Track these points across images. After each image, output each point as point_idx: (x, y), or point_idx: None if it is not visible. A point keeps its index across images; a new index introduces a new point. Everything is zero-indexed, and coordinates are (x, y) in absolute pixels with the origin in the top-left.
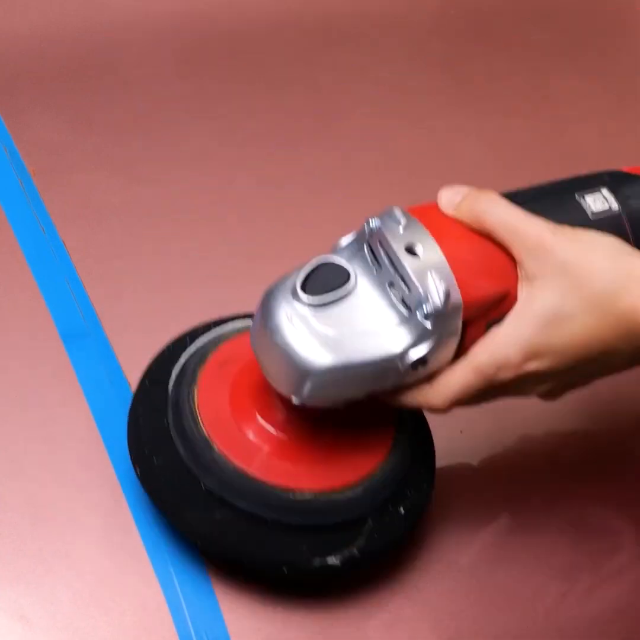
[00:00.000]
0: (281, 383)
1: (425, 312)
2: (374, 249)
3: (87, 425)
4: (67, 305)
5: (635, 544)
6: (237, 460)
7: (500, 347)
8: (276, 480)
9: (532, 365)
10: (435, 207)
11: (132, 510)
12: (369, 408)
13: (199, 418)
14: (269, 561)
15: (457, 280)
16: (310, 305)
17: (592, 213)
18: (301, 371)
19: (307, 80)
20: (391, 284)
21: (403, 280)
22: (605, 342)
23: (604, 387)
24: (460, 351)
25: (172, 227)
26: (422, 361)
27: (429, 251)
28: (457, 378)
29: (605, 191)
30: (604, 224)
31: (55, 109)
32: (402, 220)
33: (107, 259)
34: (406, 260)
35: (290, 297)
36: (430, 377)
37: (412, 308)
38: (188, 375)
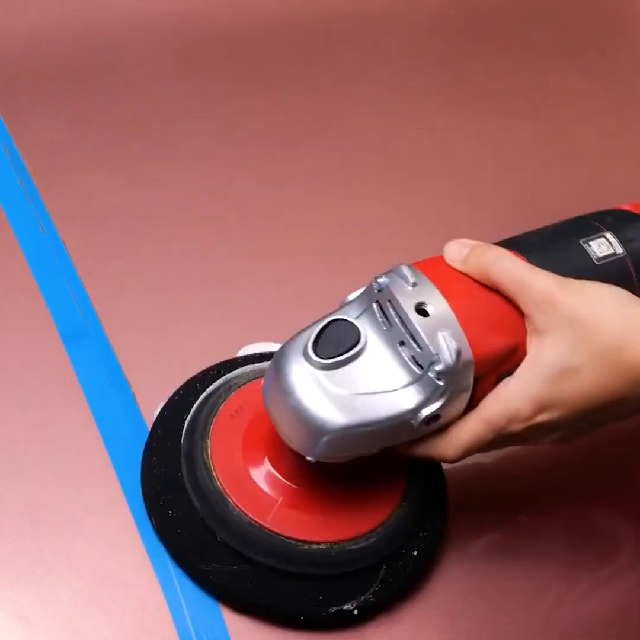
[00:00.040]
0: (295, 442)
1: (437, 370)
2: (384, 307)
3: (87, 425)
4: (67, 305)
5: (635, 545)
6: (252, 513)
7: (510, 400)
8: (291, 532)
9: (542, 417)
10: (441, 261)
11: (132, 510)
12: (383, 459)
13: (213, 470)
14: (286, 611)
15: (467, 337)
16: (323, 367)
17: (597, 258)
18: (315, 432)
19: (307, 80)
20: (402, 343)
21: (414, 339)
22: (614, 392)
23: None
24: (472, 404)
25: (172, 227)
26: (434, 417)
27: (439, 309)
28: (468, 430)
29: (609, 235)
30: (609, 267)
31: (55, 109)
32: (411, 278)
33: (107, 259)
34: (416, 320)
35: (302, 358)
36: (442, 430)
37: (424, 367)
38: (200, 426)
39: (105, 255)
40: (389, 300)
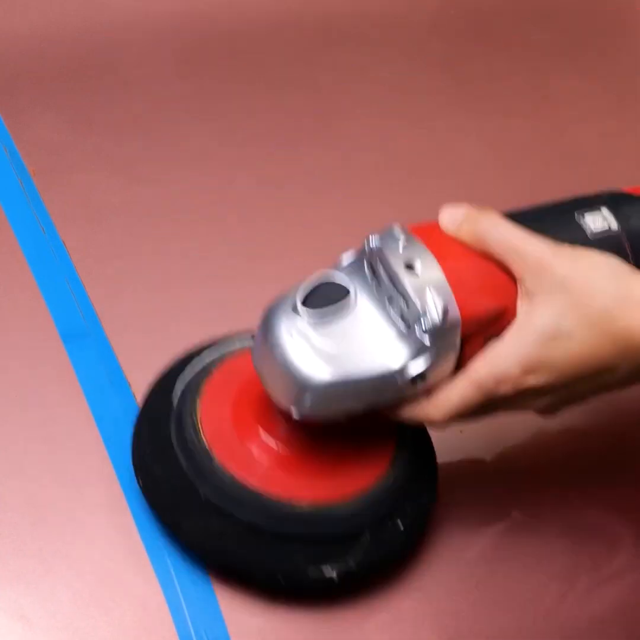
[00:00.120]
0: (281, 397)
1: (424, 327)
2: (374, 267)
3: (87, 425)
4: (67, 305)
5: (635, 545)
6: (236, 470)
7: (499, 361)
8: (274, 490)
9: (531, 380)
10: (436, 226)
11: (132, 510)
12: (370, 422)
13: (201, 429)
14: (265, 571)
15: (455, 296)
16: (310, 321)
17: (592, 233)
18: (301, 386)
19: (307, 80)
20: (390, 301)
21: (402, 296)
22: (603, 360)
23: None
24: (459, 365)
25: (172, 227)
26: (420, 376)
27: (428, 268)
28: (456, 392)
29: (605, 211)
30: (604, 243)
31: (55, 109)
32: (402, 238)
33: (107, 259)
34: (405, 277)
35: (291, 312)
36: (429, 392)
37: (411, 324)
38: (192, 388)
39: (105, 255)
40: (380, 259)
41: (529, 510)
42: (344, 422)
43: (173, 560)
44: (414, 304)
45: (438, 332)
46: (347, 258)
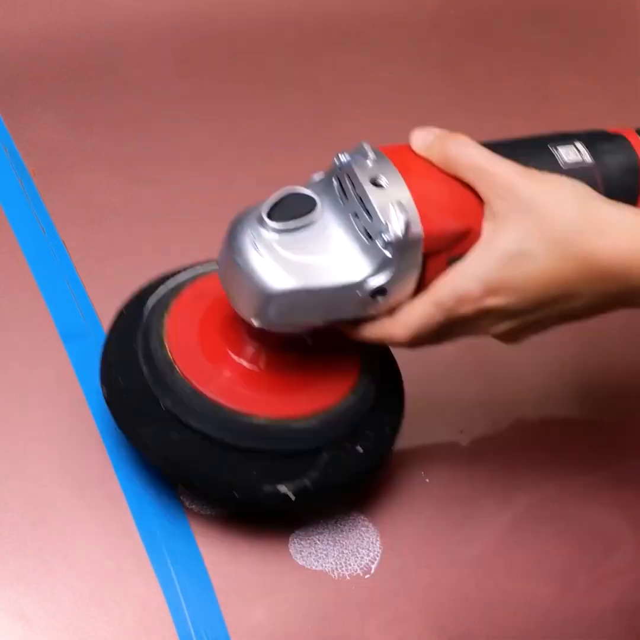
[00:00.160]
0: (243, 306)
1: (385, 240)
2: (342, 182)
3: (87, 425)
4: (67, 305)
5: (635, 544)
6: (197, 382)
7: (461, 280)
8: (232, 404)
9: (492, 301)
10: (406, 146)
11: (132, 510)
12: (336, 346)
13: (165, 342)
14: (221, 484)
15: (419, 213)
16: (274, 231)
17: (564, 163)
18: (262, 293)
19: (307, 80)
20: (356, 215)
21: (366, 211)
22: (565, 283)
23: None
24: (422, 286)
25: (172, 227)
26: (381, 291)
27: (394, 184)
28: (417, 310)
29: (579, 145)
30: (575, 174)
31: (55, 109)
32: (371, 155)
33: (107, 259)
34: (370, 191)
35: (255, 223)
36: (392, 312)
37: (374, 237)
38: (162, 304)
39: (105, 255)
40: (348, 174)
41: (528, 510)
42: (309, 340)
43: (173, 560)
44: (377, 217)
45: (399, 246)
46: (317, 176)
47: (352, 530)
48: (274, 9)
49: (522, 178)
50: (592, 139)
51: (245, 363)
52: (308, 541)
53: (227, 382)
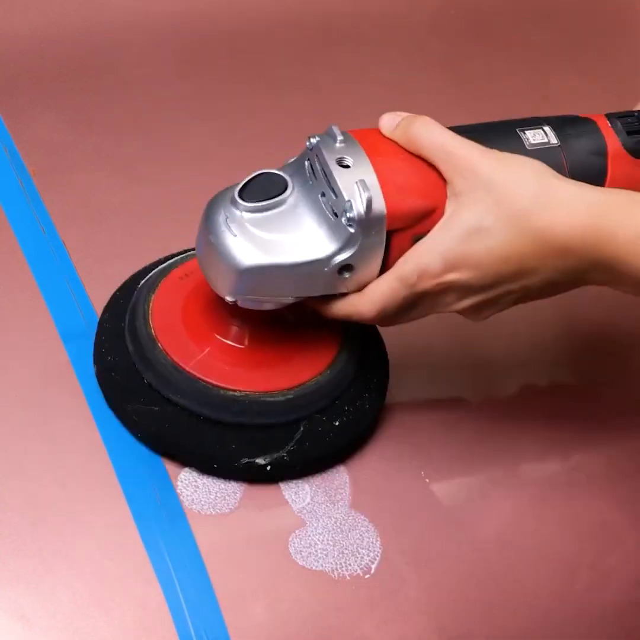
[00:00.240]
0: (217, 282)
1: (349, 216)
2: (312, 163)
3: (87, 425)
4: (67, 305)
5: (636, 543)
6: (177, 357)
7: (422, 256)
8: (212, 379)
9: (452, 276)
10: (375, 130)
11: (132, 510)
12: (318, 322)
13: (150, 320)
14: (202, 457)
15: (383, 191)
16: (246, 210)
17: (530, 144)
18: (233, 269)
19: (307, 80)
20: (323, 194)
21: (332, 189)
22: (523, 258)
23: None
24: (388, 265)
25: (172, 227)
26: (348, 267)
27: (359, 164)
28: (382, 286)
29: (547, 128)
30: (540, 154)
31: (55, 109)
32: (339, 137)
33: (107, 259)
34: (336, 171)
35: (228, 203)
36: (360, 290)
37: (339, 215)
38: (149, 284)
39: (105, 255)
40: (317, 155)
41: (528, 509)
42: (290, 316)
43: (173, 560)
44: (342, 196)
45: (363, 223)
46: (291, 159)
47: (352, 530)
48: (274, 9)
49: (482, 158)
50: (560, 123)
51: (225, 339)
52: (308, 541)
53: (208, 357)
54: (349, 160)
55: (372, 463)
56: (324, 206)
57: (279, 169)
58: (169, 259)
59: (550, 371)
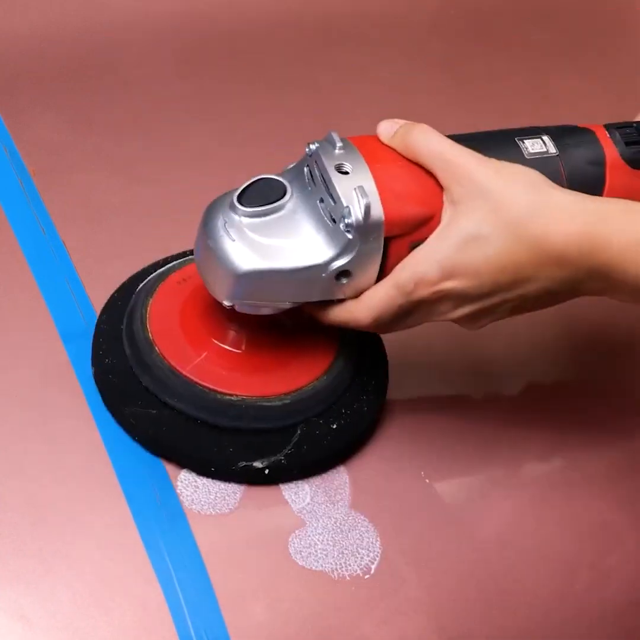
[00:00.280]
0: (215, 286)
1: (347, 222)
2: (311, 169)
3: (87, 425)
4: (67, 305)
5: (636, 543)
6: (174, 361)
7: (419, 263)
8: (209, 383)
9: (449, 284)
10: (374, 137)
11: (132, 510)
12: (315, 328)
13: (147, 323)
14: (199, 460)
15: (381, 197)
16: (245, 215)
17: (529, 153)
18: (231, 274)
19: (307, 80)
20: (322, 200)
21: (331, 196)
22: (519, 266)
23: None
24: (386, 272)
25: (172, 227)
26: (345, 273)
27: (358, 171)
28: (379, 293)
29: (545, 137)
30: (538, 163)
31: (55, 109)
32: (338, 144)
33: (107, 259)
34: (335, 177)
35: (227, 208)
36: (357, 297)
37: (337, 221)
38: (148, 287)
39: (105, 255)
40: (316, 162)
41: (528, 508)
42: (287, 321)
43: (173, 560)
44: (340, 202)
45: (361, 229)
46: (291, 165)
47: (352, 530)
48: (274, 9)
49: (479, 166)
50: (560, 133)
51: (223, 344)
52: (308, 541)
53: (205, 362)
54: (348, 167)
55: (372, 463)
56: (322, 212)
57: (277, 175)
58: (168, 263)
59: (550, 371)
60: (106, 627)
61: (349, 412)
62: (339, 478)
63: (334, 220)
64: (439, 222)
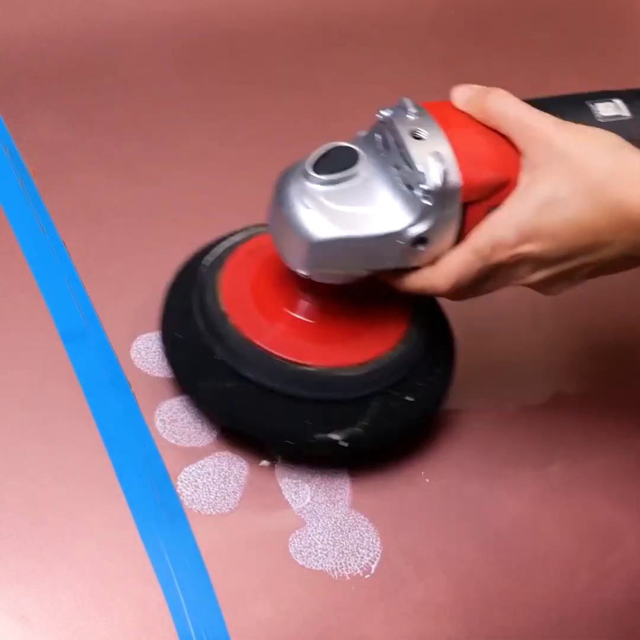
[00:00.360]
0: (290, 256)
1: (424, 189)
2: (384, 136)
3: (86, 425)
4: (67, 305)
5: (636, 543)
6: (249, 333)
7: (496, 227)
8: (285, 354)
9: (527, 248)
10: (447, 102)
11: (132, 510)
12: (386, 297)
13: (220, 296)
14: (275, 432)
15: (458, 163)
16: (319, 183)
17: (601, 117)
18: (307, 242)
19: (307, 80)
20: (397, 167)
21: (407, 162)
22: (597, 230)
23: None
24: (462, 237)
25: (172, 227)
26: (422, 239)
27: (433, 136)
28: (457, 258)
29: (618, 101)
30: (612, 127)
31: (55, 109)
32: (412, 110)
33: (107, 259)
34: (410, 143)
35: (301, 176)
36: (433, 263)
37: (414, 187)
38: (216, 262)
39: (105, 255)
40: (390, 128)
41: (528, 508)
42: (359, 291)
43: (173, 560)
44: (416, 168)
45: (438, 195)
46: (362, 132)
47: (352, 530)
48: (274, 9)
49: (557, 129)
50: (632, 96)
51: (296, 315)
52: (308, 541)
53: (280, 333)
54: (422, 133)
55: (372, 463)
56: (397, 179)
57: (349, 142)
58: (233, 235)
59: (550, 371)
60: (106, 627)
61: (422, 384)
62: (339, 478)
63: (409, 187)
64: (515, 186)
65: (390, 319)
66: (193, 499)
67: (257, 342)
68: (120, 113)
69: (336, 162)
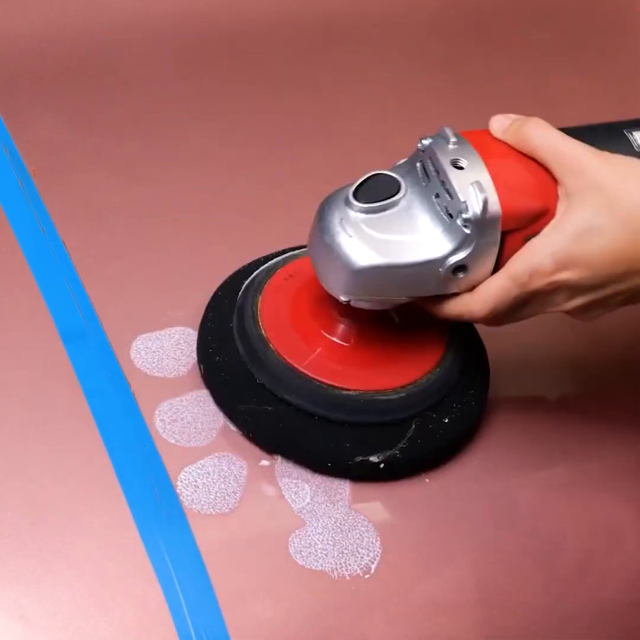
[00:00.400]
0: (331, 282)
1: (465, 218)
2: (425, 165)
3: (87, 425)
4: (67, 305)
5: (636, 543)
6: (289, 357)
7: (534, 255)
8: (324, 378)
9: (563, 275)
10: (485, 131)
11: (132, 510)
12: (423, 322)
13: (259, 321)
14: (315, 455)
15: (497, 192)
16: (361, 211)
17: (638, 145)
18: (348, 269)
19: (307, 80)
20: (437, 195)
21: (447, 191)
22: (631, 258)
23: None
24: (500, 265)
25: (172, 227)
26: (462, 267)
27: (473, 166)
28: (494, 285)
29: None
30: None
31: (55, 109)
32: (452, 139)
33: (107, 259)
34: (451, 172)
35: (343, 204)
36: (472, 289)
37: (454, 216)
38: (255, 285)
39: (105, 255)
40: (430, 157)
41: (528, 508)
42: (396, 316)
43: (173, 560)
44: (457, 197)
45: (478, 224)
46: (401, 161)
47: (352, 530)
48: (274, 9)
49: (593, 159)
50: None
51: (335, 339)
52: (308, 541)
53: (319, 357)
54: (463, 162)
55: None
56: (438, 207)
57: (390, 170)
58: (270, 259)
59: (549, 370)
60: (106, 627)
61: (459, 406)
62: (339, 478)
63: (450, 215)
64: (553, 215)
65: (427, 342)
66: (193, 499)
67: (298, 367)
68: (120, 113)
69: (377, 190)
